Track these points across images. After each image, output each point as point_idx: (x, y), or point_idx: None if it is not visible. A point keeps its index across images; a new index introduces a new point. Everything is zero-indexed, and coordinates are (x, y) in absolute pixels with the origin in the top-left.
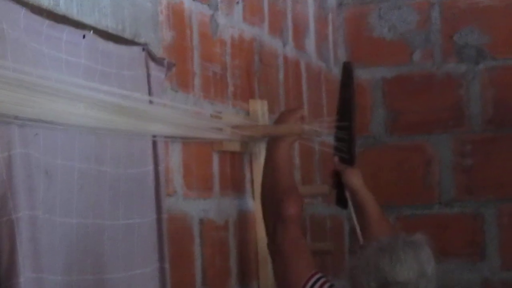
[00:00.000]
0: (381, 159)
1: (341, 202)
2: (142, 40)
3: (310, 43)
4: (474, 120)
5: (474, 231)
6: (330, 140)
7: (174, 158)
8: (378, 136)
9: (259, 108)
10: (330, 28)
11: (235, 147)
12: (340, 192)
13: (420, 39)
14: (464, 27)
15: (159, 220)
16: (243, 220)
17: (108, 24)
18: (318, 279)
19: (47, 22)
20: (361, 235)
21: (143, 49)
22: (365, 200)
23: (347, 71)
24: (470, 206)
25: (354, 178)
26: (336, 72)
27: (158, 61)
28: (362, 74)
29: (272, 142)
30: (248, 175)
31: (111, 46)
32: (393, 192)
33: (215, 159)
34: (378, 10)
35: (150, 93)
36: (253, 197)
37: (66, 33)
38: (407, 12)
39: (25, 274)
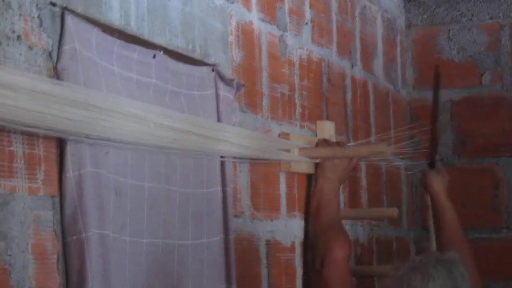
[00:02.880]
0: (449, 181)
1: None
2: (211, 60)
3: (378, 64)
4: None
5: None
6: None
7: (242, 179)
8: (446, 159)
9: (327, 129)
10: (399, 49)
11: (303, 168)
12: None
13: (490, 61)
14: None
15: (226, 241)
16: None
17: (178, 44)
18: None
19: (118, 41)
20: (434, 241)
21: (213, 70)
22: (442, 206)
23: (436, 76)
24: None
25: (435, 183)
26: (404, 94)
27: (227, 81)
28: (431, 96)
29: (321, 173)
30: None
31: (181, 66)
32: (460, 215)
33: (283, 180)
34: (447, 31)
35: (219, 113)
36: None
37: (137, 52)
38: (476, 34)
39: None
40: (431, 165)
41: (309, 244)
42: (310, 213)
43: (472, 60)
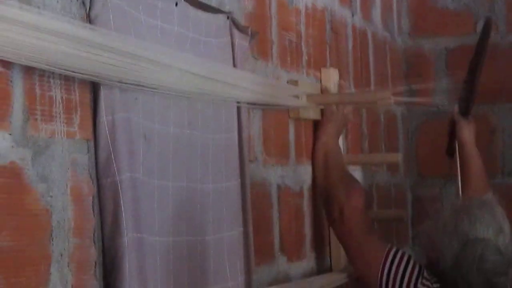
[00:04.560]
0: (444, 128)
1: (450, 151)
2: (226, 8)
3: (376, 13)
4: None
5: None
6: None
7: (255, 125)
8: (441, 106)
9: (331, 76)
10: None
11: (311, 114)
12: (452, 141)
13: (484, 9)
14: None
15: (243, 185)
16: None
17: None
18: (395, 254)
19: None
20: (460, 188)
21: (228, 17)
22: (471, 155)
23: (487, 27)
24: None
25: (466, 131)
26: (399, 42)
27: (242, 29)
28: (426, 44)
29: (323, 127)
30: None
31: (200, 13)
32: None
33: (291, 127)
34: None
35: (234, 60)
36: None
37: (161, 0)
38: None
39: (128, 234)
40: (465, 113)
41: (322, 197)
42: (317, 167)
43: (467, 8)
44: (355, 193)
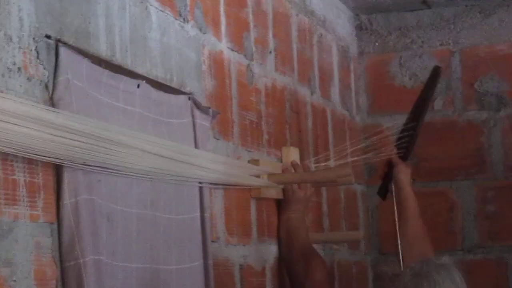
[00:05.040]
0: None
1: (382, 192)
2: (187, 89)
3: (335, 91)
4: (495, 166)
5: (498, 277)
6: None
7: (217, 205)
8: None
9: (292, 155)
10: (352, 76)
11: (272, 194)
12: (386, 182)
13: (441, 86)
14: (484, 74)
15: (206, 266)
16: (279, 266)
17: (158, 73)
18: None
19: (106, 72)
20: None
21: (189, 98)
22: (408, 198)
23: (435, 75)
24: (493, 252)
25: (403, 174)
26: (358, 119)
27: (203, 109)
28: (384, 122)
29: (286, 205)
30: None
31: (161, 95)
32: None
33: (253, 206)
34: (399, 58)
35: (196, 140)
36: None
37: (123, 82)
38: (427, 60)
39: None
40: (405, 157)
41: (285, 272)
42: (281, 244)
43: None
44: (317, 267)
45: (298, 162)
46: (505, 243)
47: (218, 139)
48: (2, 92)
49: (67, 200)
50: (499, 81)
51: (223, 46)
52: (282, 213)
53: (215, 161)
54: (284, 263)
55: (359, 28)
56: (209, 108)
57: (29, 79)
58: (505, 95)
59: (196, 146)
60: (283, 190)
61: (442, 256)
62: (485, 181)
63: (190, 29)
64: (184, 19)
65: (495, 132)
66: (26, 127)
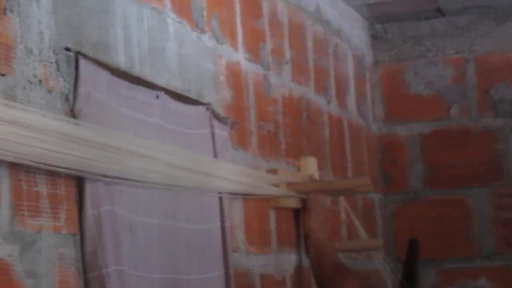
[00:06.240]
0: (421, 213)
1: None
2: (205, 100)
3: (351, 100)
4: (511, 173)
5: None
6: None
7: (236, 215)
8: (417, 191)
9: (310, 164)
10: (368, 86)
11: (291, 203)
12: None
13: (457, 94)
14: (499, 81)
15: (227, 275)
16: (299, 275)
17: (176, 84)
18: None
19: (125, 83)
20: None
21: (207, 109)
22: None
23: (412, 248)
24: (510, 258)
25: None
26: (374, 129)
27: (221, 120)
28: (400, 130)
29: (308, 214)
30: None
31: (180, 105)
32: (433, 246)
33: (272, 215)
34: (414, 67)
35: (215, 151)
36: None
37: (142, 93)
38: (442, 68)
39: None
40: None
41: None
42: (312, 264)
43: (440, 94)
44: (348, 283)
45: (316, 171)
46: None
47: (236, 150)
48: (23, 104)
49: (89, 211)
50: None
51: (240, 56)
52: (308, 232)
53: (234, 171)
54: (316, 280)
55: (374, 37)
56: (228, 118)
57: (49, 91)
58: None
59: (215, 157)
60: (303, 201)
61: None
62: (501, 188)
63: (207, 40)
64: (201, 30)
65: (511, 139)
66: (47, 139)
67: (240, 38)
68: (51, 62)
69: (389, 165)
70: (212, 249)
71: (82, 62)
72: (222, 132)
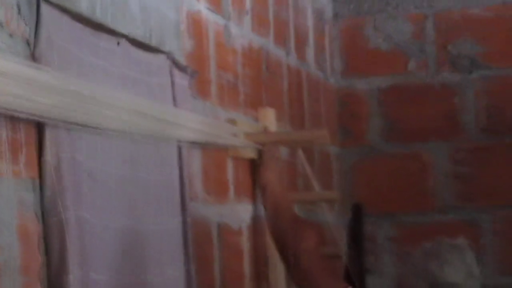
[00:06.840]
0: (378, 167)
1: None
2: (166, 48)
3: (310, 53)
4: (468, 128)
5: (470, 238)
6: None
7: (195, 164)
8: (374, 145)
9: (268, 116)
10: (327, 39)
11: (249, 153)
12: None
13: (415, 49)
14: (458, 37)
15: (184, 224)
16: (255, 225)
17: (137, 32)
18: None
19: (87, 30)
20: None
21: (168, 57)
22: None
23: (357, 212)
24: (465, 213)
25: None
26: (333, 82)
27: (182, 68)
28: (358, 84)
29: (264, 165)
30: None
31: (141, 53)
32: (389, 200)
33: (230, 165)
34: (373, 21)
35: (174, 99)
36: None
37: (104, 40)
38: (401, 23)
39: (74, 272)
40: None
41: (276, 246)
42: (268, 217)
43: (398, 48)
44: (306, 235)
45: (274, 122)
46: (477, 204)
47: (195, 98)
48: None
49: (49, 157)
50: (472, 44)
51: (201, 6)
52: (264, 184)
53: (194, 120)
54: (271, 232)
55: None
56: (188, 67)
57: (11, 35)
58: (478, 57)
59: (174, 105)
60: (260, 151)
61: (458, 237)
62: (458, 142)
63: None
64: None
65: (468, 94)
66: (8, 82)
67: None
68: (12, 6)
69: (347, 119)
70: (170, 198)
71: (44, 6)
72: (182, 81)
